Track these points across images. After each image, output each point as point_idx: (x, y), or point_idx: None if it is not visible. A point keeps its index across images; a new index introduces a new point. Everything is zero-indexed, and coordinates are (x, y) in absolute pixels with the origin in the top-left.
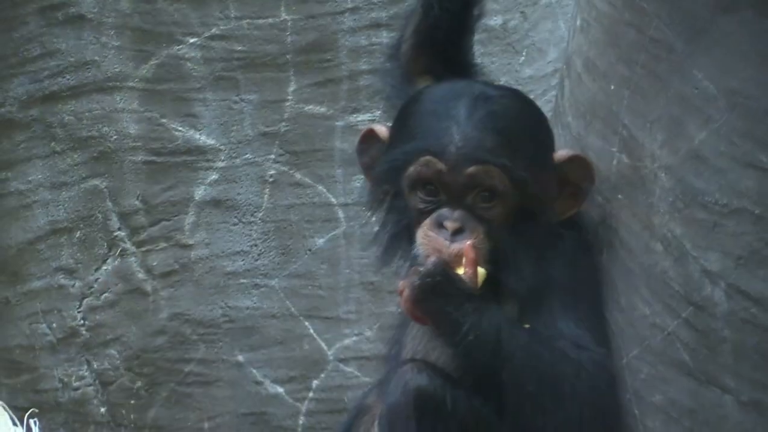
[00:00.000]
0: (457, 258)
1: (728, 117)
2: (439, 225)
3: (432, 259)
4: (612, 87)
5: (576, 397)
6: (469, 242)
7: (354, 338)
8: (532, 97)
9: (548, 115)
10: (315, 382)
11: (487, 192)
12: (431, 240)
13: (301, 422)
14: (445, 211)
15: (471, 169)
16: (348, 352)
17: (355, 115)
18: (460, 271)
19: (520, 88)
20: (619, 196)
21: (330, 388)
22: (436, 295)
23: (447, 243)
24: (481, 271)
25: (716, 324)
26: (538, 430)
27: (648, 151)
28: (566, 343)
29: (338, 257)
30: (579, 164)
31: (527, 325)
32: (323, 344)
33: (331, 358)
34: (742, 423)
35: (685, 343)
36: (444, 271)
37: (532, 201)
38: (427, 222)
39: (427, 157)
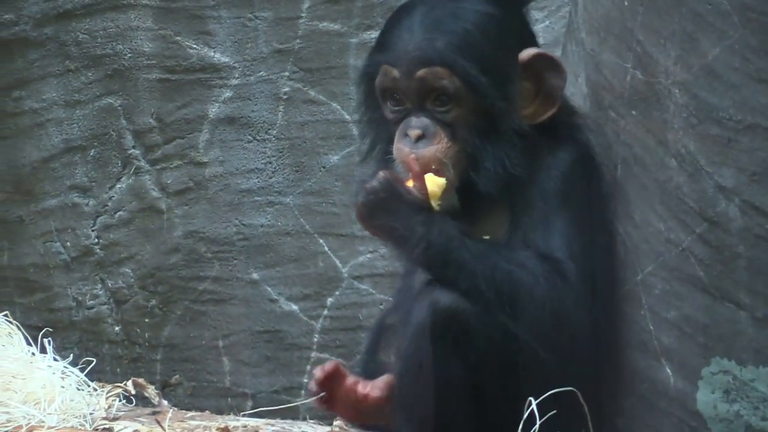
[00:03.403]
0: (423, 165)
1: (742, 33)
2: (405, 134)
3: (379, 174)
4: (626, 3)
5: (533, 304)
6: (413, 155)
7: (368, 255)
8: (545, 13)
9: (561, 31)
10: (329, 300)
11: (445, 95)
12: (399, 151)
13: (315, 340)
14: (410, 119)
15: (420, 72)
16: (362, 270)
17: (369, 32)
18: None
19: (533, 4)
20: (633, 112)
21: (344, 305)
22: (382, 211)
23: (409, 151)
24: (441, 180)
25: (730, 240)
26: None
27: (662, 67)
28: (528, 254)
29: (352, 174)
30: (546, 62)
31: (486, 236)
32: (338, 261)
33: (345, 275)
34: (757, 339)
35: (700, 258)
36: (390, 186)
37: (494, 103)
38: (397, 133)
39: (385, 66)
